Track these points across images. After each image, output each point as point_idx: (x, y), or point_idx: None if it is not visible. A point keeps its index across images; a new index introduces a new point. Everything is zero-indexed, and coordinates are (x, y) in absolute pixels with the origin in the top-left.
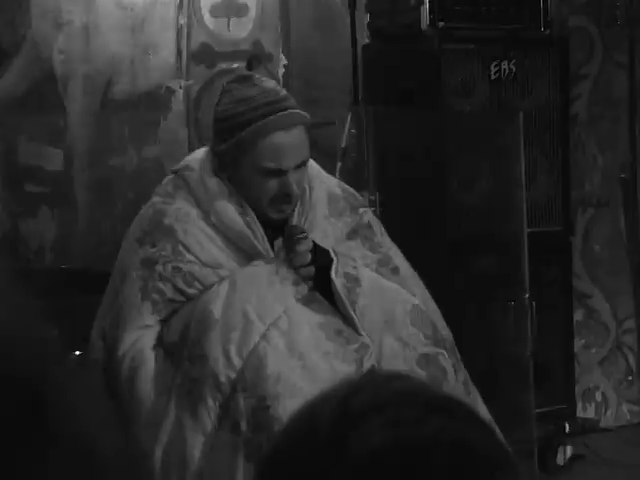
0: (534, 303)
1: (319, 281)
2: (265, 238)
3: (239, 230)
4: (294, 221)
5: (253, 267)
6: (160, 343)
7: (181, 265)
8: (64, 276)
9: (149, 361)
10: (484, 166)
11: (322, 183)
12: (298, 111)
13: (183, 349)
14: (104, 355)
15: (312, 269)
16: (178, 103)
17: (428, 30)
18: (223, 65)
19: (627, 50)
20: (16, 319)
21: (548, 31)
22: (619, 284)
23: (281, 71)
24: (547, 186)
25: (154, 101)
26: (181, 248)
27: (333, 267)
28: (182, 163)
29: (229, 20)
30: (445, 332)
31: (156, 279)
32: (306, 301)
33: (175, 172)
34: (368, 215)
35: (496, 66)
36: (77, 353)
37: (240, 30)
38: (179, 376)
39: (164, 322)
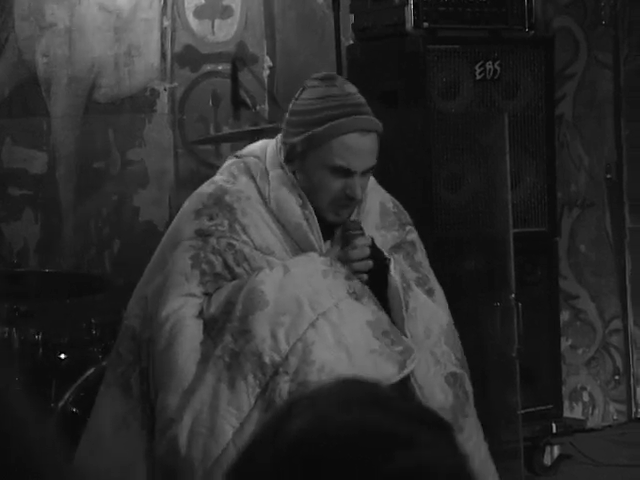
0: (520, 304)
1: (371, 280)
2: (321, 235)
3: (297, 222)
4: (352, 218)
5: (308, 257)
6: (200, 315)
7: (234, 243)
8: (48, 279)
9: (190, 329)
10: (469, 167)
11: (377, 194)
12: (375, 119)
13: (225, 323)
14: (141, 321)
15: (370, 263)
16: (163, 105)
17: (413, 31)
18: (208, 67)
19: (612, 50)
20: None
21: (533, 32)
22: (605, 284)
23: (266, 72)
24: (533, 187)
25: (138, 104)
26: (237, 227)
27: (392, 264)
28: (245, 150)
29: (213, 22)
30: (465, 358)
31: (208, 250)
32: (357, 296)
33: (238, 157)
34: (413, 234)
35: (481, 66)
36: (62, 357)
37: (224, 32)
38: (219, 348)
39: (208, 296)
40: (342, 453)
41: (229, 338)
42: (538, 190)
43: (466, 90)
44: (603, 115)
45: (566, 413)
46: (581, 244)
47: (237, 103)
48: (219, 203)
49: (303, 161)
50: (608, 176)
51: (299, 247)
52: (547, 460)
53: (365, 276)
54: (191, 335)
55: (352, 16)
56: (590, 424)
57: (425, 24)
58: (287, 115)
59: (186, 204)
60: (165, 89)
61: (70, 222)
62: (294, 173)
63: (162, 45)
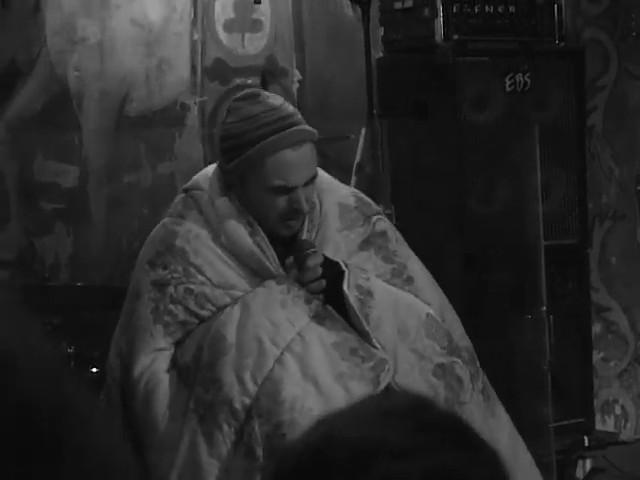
0: (551, 316)
1: (331, 295)
2: (276, 257)
3: (249, 251)
4: (303, 236)
5: (265, 288)
6: (174, 365)
7: (193, 287)
8: (80, 293)
9: (163, 384)
10: (500, 179)
11: (333, 195)
12: (306, 127)
13: (196, 372)
14: (121, 374)
15: (323, 282)
16: (193, 119)
17: (442, 43)
18: (237, 81)
19: None
20: (30, 347)
21: (563, 43)
22: (637, 296)
23: (295, 86)
24: (563, 199)
25: (169, 117)
26: (192, 270)
27: (345, 280)
28: (191, 182)
29: (243, 36)
30: (464, 341)
31: (168, 301)
32: (320, 319)
33: (185, 191)
34: (382, 223)
35: (511, 78)
36: (94, 370)
37: (254, 46)
38: (192, 400)
39: (178, 344)
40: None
41: (200, 389)
42: (569, 202)
43: (496, 102)
44: (634, 127)
45: (598, 426)
46: (612, 256)
47: None
48: (170, 249)
49: (243, 185)
50: (639, 188)
51: (257, 274)
52: (579, 474)
53: (321, 296)
54: (165, 391)
55: (382, 29)
56: (622, 437)
57: (455, 36)
58: (217, 140)
59: (141, 253)
60: (195, 103)
61: (101, 236)
62: (238, 198)
63: (192, 59)
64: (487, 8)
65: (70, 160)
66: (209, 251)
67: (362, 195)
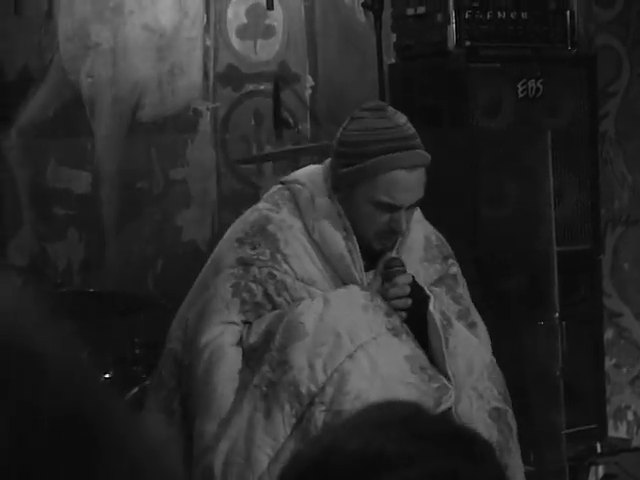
0: (564, 322)
1: (411, 317)
2: (363, 268)
3: (340, 253)
4: (393, 254)
5: (349, 290)
6: (239, 343)
7: (276, 273)
8: (92, 298)
9: (229, 357)
10: (512, 185)
11: (421, 227)
12: (423, 152)
13: (264, 353)
14: (183, 345)
15: (409, 301)
16: (205, 125)
17: (455, 49)
18: (250, 86)
19: None
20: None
21: (575, 50)
22: None
23: (308, 92)
24: (576, 204)
25: (181, 123)
26: (279, 257)
27: (431, 301)
28: (291, 176)
29: (256, 41)
30: (508, 393)
31: (249, 279)
32: (396, 332)
33: (283, 183)
34: (455, 267)
35: (523, 85)
36: (106, 376)
37: (267, 51)
38: (256, 377)
39: (246, 324)
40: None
41: (267, 368)
42: (581, 208)
43: (508, 108)
44: None
45: (610, 432)
46: (625, 262)
47: (279, 122)
48: (262, 232)
49: (349, 193)
50: None
51: (341, 279)
52: None
53: (404, 314)
54: (230, 363)
55: (394, 35)
56: (635, 443)
57: (467, 42)
58: (335, 144)
59: (229, 231)
60: (208, 108)
61: (113, 242)
62: (340, 201)
63: (205, 65)
64: (499, 14)
65: (82, 166)
66: (299, 244)
67: (440, 235)
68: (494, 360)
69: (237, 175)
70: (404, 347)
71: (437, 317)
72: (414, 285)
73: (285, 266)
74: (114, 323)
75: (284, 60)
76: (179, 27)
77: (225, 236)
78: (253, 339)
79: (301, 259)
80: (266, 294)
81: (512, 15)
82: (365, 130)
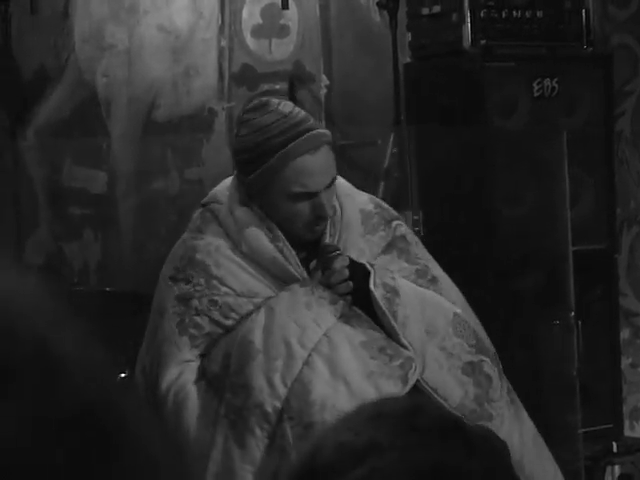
0: (580, 322)
1: (357, 297)
2: (299, 262)
3: (271, 257)
4: (326, 240)
5: (288, 292)
6: (202, 376)
7: (216, 298)
8: (108, 298)
9: (192, 395)
10: (528, 184)
11: (353, 201)
12: (320, 131)
13: (225, 379)
14: (146, 392)
15: (350, 284)
16: (220, 125)
17: (470, 48)
18: (265, 86)
19: None
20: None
21: (591, 48)
22: None
23: (323, 92)
24: (592, 204)
25: (196, 123)
26: (215, 282)
27: (371, 279)
28: (209, 196)
29: (270, 41)
30: (487, 342)
31: (192, 314)
32: (346, 319)
33: (203, 205)
34: (402, 227)
35: (539, 84)
36: (122, 375)
37: (281, 51)
38: (223, 407)
39: (204, 356)
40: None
41: (229, 395)
42: (597, 207)
43: (524, 107)
44: None
45: (627, 432)
46: None
47: None
48: (191, 263)
49: (264, 195)
50: None
51: (281, 281)
52: None
53: (349, 297)
54: (194, 401)
55: (409, 34)
56: None
57: (482, 42)
58: (233, 154)
59: (163, 269)
60: (223, 108)
61: (129, 241)
62: (261, 207)
63: (220, 65)
64: (515, 13)
65: (98, 166)
66: (230, 261)
67: (380, 201)
68: (462, 312)
69: None
70: (357, 333)
71: (379, 293)
72: (353, 265)
73: (223, 288)
74: (129, 322)
75: (299, 60)
76: (194, 28)
77: (160, 276)
78: (214, 366)
79: (236, 276)
80: (214, 322)
81: (527, 14)
82: (256, 131)
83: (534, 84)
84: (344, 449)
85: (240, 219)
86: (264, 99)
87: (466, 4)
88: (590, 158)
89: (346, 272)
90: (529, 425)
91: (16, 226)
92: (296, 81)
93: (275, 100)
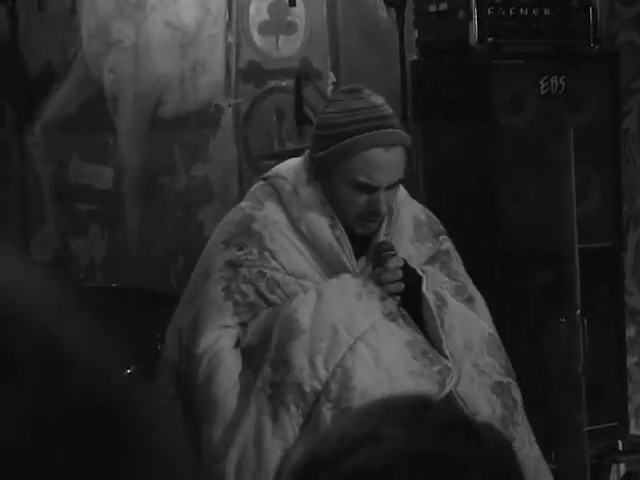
0: (586, 320)
1: (404, 301)
2: (352, 254)
3: (328, 243)
4: (381, 239)
5: (341, 279)
6: (237, 346)
7: (266, 270)
8: (115, 294)
9: (228, 361)
10: (534, 181)
11: (409, 207)
12: (401, 131)
13: (264, 353)
14: (179, 354)
15: (402, 285)
16: (227, 121)
17: (477, 46)
18: (272, 83)
19: None
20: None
21: (598, 46)
22: None
23: (330, 88)
24: (598, 202)
25: (203, 119)
26: (267, 254)
27: (424, 283)
28: (272, 171)
29: (277, 38)
30: (510, 365)
31: (240, 281)
32: (393, 317)
33: (264, 179)
34: (447, 242)
35: (545, 81)
36: (128, 371)
37: (289, 48)
38: (259, 380)
39: (242, 325)
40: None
41: (268, 369)
42: (604, 205)
43: (530, 105)
44: None
45: (632, 430)
46: None
47: (301, 119)
48: (247, 232)
49: (329, 176)
50: None
51: (331, 268)
52: (613, 478)
53: (398, 298)
54: (230, 368)
55: (416, 31)
56: None
57: (489, 39)
58: (313, 128)
59: (215, 234)
60: (230, 105)
61: (135, 237)
62: (323, 188)
63: (227, 61)
64: (522, 11)
65: (105, 162)
66: (285, 238)
67: (431, 213)
68: (495, 333)
69: (259, 171)
70: (403, 332)
71: (431, 298)
72: (406, 267)
73: (274, 262)
74: (136, 319)
75: (306, 56)
76: (201, 24)
77: (211, 240)
78: (251, 339)
79: (289, 253)
80: (258, 293)
81: (534, 11)
82: (342, 112)
83: (541, 82)
84: (345, 439)
85: (304, 199)
86: (359, 85)
87: (473, 1)
88: (597, 156)
89: (399, 273)
90: (537, 452)
91: (22, 222)
92: (303, 78)
93: (369, 90)
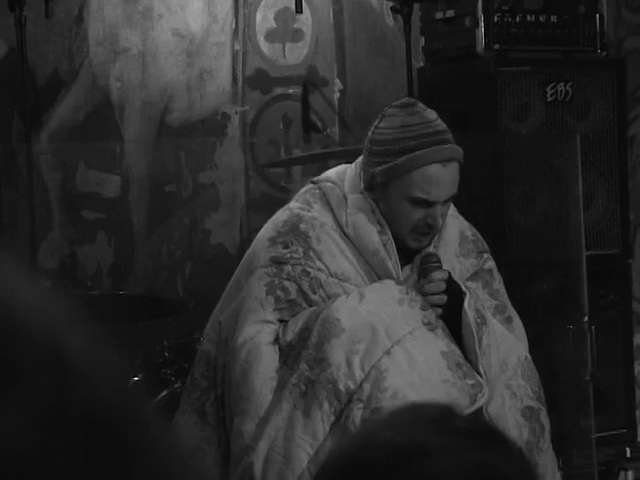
0: (593, 327)
1: (446, 314)
2: (398, 262)
3: (375, 248)
4: (429, 250)
5: (384, 284)
6: (276, 342)
7: (309, 270)
8: (122, 302)
9: (265, 356)
10: (541, 188)
11: (456, 222)
12: (456, 147)
13: (301, 350)
14: (216, 346)
15: (444, 297)
16: (234, 129)
17: (484, 53)
18: (278, 90)
19: None
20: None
21: (605, 53)
22: None
23: (336, 95)
24: (605, 208)
25: (210, 127)
26: (312, 254)
27: (467, 299)
28: (322, 176)
29: (284, 45)
30: (542, 391)
31: (283, 277)
32: (432, 327)
33: (314, 183)
34: (490, 262)
35: (552, 88)
36: (135, 379)
37: (295, 55)
38: (295, 376)
39: (282, 322)
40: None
41: (305, 366)
42: (610, 212)
43: (537, 112)
44: None
45: None
46: None
47: (308, 126)
48: (294, 231)
49: (383, 191)
50: None
51: (376, 273)
52: None
53: (440, 310)
54: (267, 362)
55: (423, 38)
56: None
57: (496, 46)
58: (367, 143)
59: (262, 231)
60: (236, 112)
61: (142, 245)
62: (374, 200)
63: (233, 69)
64: (528, 18)
65: (112, 170)
66: (331, 241)
67: (476, 231)
68: (529, 357)
69: (266, 179)
70: (440, 342)
71: (471, 315)
72: (450, 281)
73: (318, 263)
74: (143, 326)
75: (313, 64)
76: (208, 32)
77: (257, 236)
78: (290, 337)
79: (334, 256)
80: (301, 292)
81: (541, 18)
82: (397, 127)
83: (548, 88)
84: (389, 447)
85: (354, 204)
86: (412, 100)
87: (480, 8)
88: (603, 162)
89: (443, 285)
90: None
91: (30, 229)
92: (309, 85)
93: (422, 104)
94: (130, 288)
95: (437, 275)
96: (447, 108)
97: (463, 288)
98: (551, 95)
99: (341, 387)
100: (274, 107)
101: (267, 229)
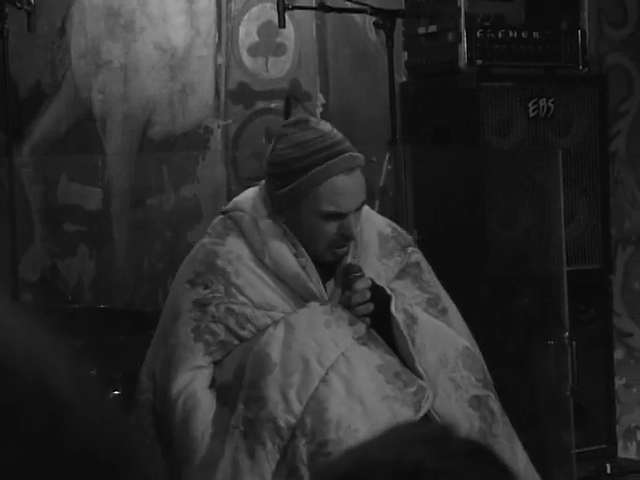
0: (574, 342)
1: (375, 320)
2: (319, 281)
3: (294, 272)
4: (348, 261)
5: (308, 309)
6: (212, 384)
7: (234, 307)
8: (103, 315)
9: (203, 402)
10: (523, 204)
11: (372, 223)
12: (356, 154)
13: (238, 390)
14: (154, 396)
15: (371, 306)
16: (216, 142)
17: (466, 68)
18: (261, 104)
19: None
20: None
21: (587, 69)
22: None
23: (319, 110)
24: (586, 224)
25: (192, 141)
26: (234, 290)
27: (392, 303)
28: (231, 204)
29: (267, 59)
30: (489, 376)
31: (209, 320)
32: (363, 340)
33: (224, 213)
34: (416, 254)
35: (534, 104)
36: (116, 392)
37: (278, 69)
38: (233, 417)
39: (216, 364)
40: None
41: (242, 406)
42: (592, 227)
43: (519, 127)
44: None
45: (620, 453)
46: (635, 281)
47: None
48: (211, 269)
49: (293, 211)
50: None
51: (300, 296)
52: None
53: (368, 320)
54: (205, 409)
55: (405, 53)
56: None
57: (479, 61)
58: (267, 167)
59: (180, 273)
60: (219, 126)
61: (124, 258)
62: (286, 223)
63: (216, 82)
64: (511, 33)
65: (94, 182)
66: (250, 272)
67: (396, 225)
68: (470, 346)
69: None
70: (374, 356)
71: (400, 317)
72: (374, 287)
73: (241, 297)
74: (124, 340)
75: (295, 78)
76: (191, 45)
77: (176, 279)
78: (225, 376)
79: (255, 287)
80: (229, 330)
81: (524, 34)
82: (294, 146)
83: (530, 104)
84: (389, 468)
85: (265, 231)
86: (304, 116)
87: (462, 24)
88: (585, 178)
89: (368, 294)
90: (522, 457)
91: (11, 242)
92: (292, 99)
93: (315, 118)
94: (111, 301)
95: (360, 285)
96: (429, 123)
97: (388, 292)
98: (533, 111)
99: (281, 423)
100: (256, 121)
101: (184, 271)
